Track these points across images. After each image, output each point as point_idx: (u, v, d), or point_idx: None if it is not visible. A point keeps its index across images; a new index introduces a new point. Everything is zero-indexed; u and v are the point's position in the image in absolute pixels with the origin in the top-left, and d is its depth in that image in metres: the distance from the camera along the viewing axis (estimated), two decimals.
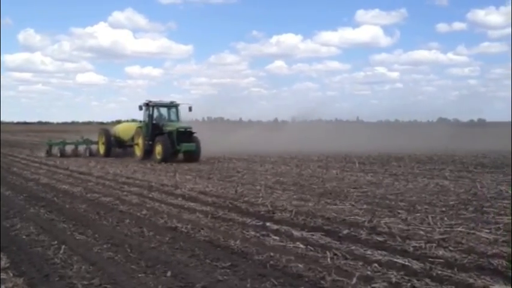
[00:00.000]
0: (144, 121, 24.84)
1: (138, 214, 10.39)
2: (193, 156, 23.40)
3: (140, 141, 24.71)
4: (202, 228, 8.82)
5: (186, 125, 24.56)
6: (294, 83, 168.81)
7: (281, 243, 7.75)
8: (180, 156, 23.79)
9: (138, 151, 24.92)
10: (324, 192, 13.08)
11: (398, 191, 13.19)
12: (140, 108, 24.55)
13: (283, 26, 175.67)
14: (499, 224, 8.79)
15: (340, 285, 5.71)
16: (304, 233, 8.40)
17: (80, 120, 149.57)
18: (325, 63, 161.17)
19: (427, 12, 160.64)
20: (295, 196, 12.49)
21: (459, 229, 8.45)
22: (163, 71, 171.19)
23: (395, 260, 6.77)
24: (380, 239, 7.96)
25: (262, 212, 10.33)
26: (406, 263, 6.60)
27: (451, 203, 11.06)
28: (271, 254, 7.07)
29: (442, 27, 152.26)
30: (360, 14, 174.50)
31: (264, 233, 8.46)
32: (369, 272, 6.22)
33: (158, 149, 23.21)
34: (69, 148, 27.93)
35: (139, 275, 6.24)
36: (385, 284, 5.76)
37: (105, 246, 7.73)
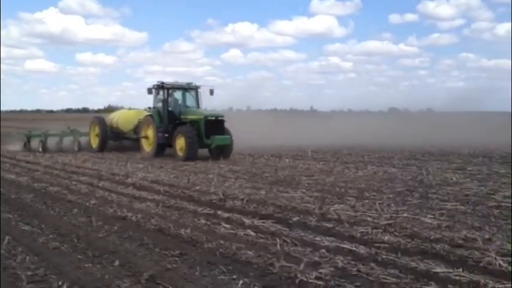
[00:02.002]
0: (155, 108, 20.31)
1: (87, 204, 10.19)
2: (225, 151, 19.20)
3: (150, 133, 20.12)
4: (153, 217, 8.74)
5: (216, 112, 20.44)
6: (249, 71, 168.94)
7: (232, 231, 7.77)
8: (202, 151, 19.22)
9: (148, 146, 20.30)
10: (276, 180, 13.19)
11: (348, 178, 13.45)
12: (149, 91, 20.17)
13: (238, 15, 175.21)
14: (443, 209, 9.09)
15: (288, 271, 5.78)
16: (255, 221, 8.44)
17: (29, 108, 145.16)
18: (280, 52, 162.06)
19: (380, 3, 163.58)
20: (247, 184, 12.55)
21: (405, 215, 8.69)
22: (116, 58, 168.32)
23: (342, 245, 6.90)
24: (329, 225, 8.10)
25: (214, 201, 10.32)
26: (353, 248, 6.74)
27: (398, 189, 11.37)
28: (222, 242, 7.08)
29: (394, 18, 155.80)
30: (315, 4, 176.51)
31: (215, 221, 8.47)
32: (316, 258, 6.32)
33: (180, 143, 18.60)
34: (52, 141, 23.72)
35: (86, 265, 6.13)
36: (331, 269, 5.87)
37: (51, 236, 7.55)
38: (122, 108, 27.16)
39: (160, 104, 20.18)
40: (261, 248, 6.83)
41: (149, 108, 20.85)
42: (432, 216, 8.57)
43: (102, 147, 22.71)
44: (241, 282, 5.43)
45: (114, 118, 23.42)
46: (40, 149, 22.59)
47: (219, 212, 9.18)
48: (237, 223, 8.32)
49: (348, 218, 8.52)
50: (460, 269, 5.80)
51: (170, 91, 20.38)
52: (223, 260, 6.29)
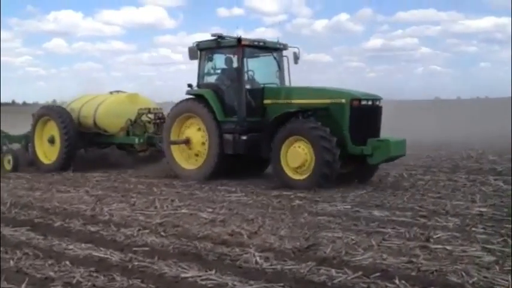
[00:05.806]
0: (206, 85, 11.30)
1: None
2: (373, 166, 10.19)
3: (199, 134, 11.10)
4: None
5: (366, 93, 10.37)
6: (75, 62, 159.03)
7: None
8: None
9: (190, 160, 11.34)
10: (61, 179, 11.80)
11: (148, 171, 12.52)
12: (192, 54, 11.00)
13: (61, 2, 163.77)
14: (226, 202, 8.67)
15: None
16: (7, 229, 7.12)
17: None
18: (109, 42, 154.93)
19: None
20: (26, 185, 11.03)
21: (184, 211, 8.06)
22: None
23: (95, 253, 5.91)
24: (93, 229, 7.10)
25: None
26: (106, 256, 5.80)
27: (190, 182, 10.78)
28: None
29: (222, 11, 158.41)
30: None
31: None
32: (51, 273, 5.23)
33: (300, 154, 9.60)
34: None
35: None
36: (60, 287, 4.88)
37: None
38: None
39: (224, 79, 11.22)
40: None
41: (189, 86, 11.45)
42: (211, 210, 8.05)
43: (68, 162, 12.91)
44: None
45: (86, 109, 13.36)
46: None
47: None
48: None
49: (119, 219, 7.63)
50: (213, 271, 5.21)
51: (247, 52, 10.99)
52: None
